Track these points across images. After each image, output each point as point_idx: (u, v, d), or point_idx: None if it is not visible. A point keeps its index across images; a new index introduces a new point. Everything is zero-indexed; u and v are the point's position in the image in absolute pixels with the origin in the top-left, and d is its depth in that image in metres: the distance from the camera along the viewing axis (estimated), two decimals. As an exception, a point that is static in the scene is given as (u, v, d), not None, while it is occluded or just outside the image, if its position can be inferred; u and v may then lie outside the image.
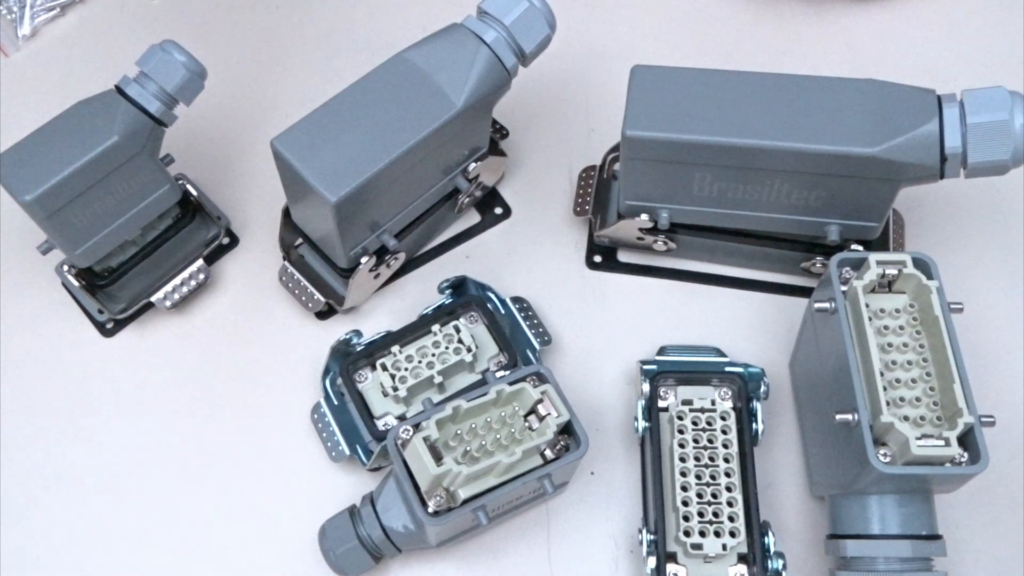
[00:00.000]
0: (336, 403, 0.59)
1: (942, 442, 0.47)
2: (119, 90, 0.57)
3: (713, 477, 0.53)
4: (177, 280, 0.63)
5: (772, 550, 0.52)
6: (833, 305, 0.51)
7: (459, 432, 0.50)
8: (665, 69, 0.57)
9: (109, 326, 0.64)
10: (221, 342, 0.63)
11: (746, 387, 0.56)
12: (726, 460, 0.54)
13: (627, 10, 0.76)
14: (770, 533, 0.53)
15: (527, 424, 0.51)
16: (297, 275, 0.63)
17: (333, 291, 0.62)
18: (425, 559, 0.57)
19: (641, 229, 0.62)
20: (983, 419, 0.48)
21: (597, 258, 0.66)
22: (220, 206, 0.66)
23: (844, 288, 0.52)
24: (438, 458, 0.49)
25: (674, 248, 0.63)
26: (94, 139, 0.55)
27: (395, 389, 0.57)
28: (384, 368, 0.57)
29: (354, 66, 0.60)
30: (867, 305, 0.51)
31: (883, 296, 0.52)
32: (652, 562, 0.52)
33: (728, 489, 0.53)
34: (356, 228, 0.58)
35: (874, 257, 0.51)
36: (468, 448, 0.50)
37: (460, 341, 0.58)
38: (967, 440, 0.47)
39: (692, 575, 0.52)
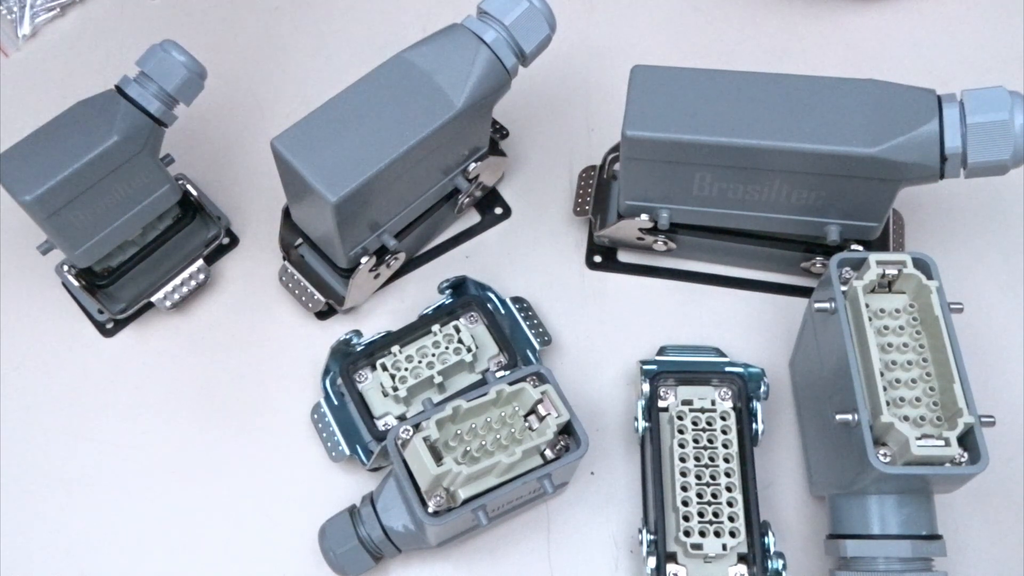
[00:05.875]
0: (336, 403, 0.59)
1: (942, 442, 0.47)
2: (119, 90, 0.57)
3: (713, 477, 0.53)
4: (177, 280, 0.63)
5: (772, 550, 0.52)
6: (833, 305, 0.51)
7: (459, 432, 0.50)
8: (665, 69, 0.57)
9: (109, 326, 0.64)
10: (221, 342, 0.63)
11: (746, 387, 0.56)
12: (726, 460, 0.54)
13: (627, 10, 0.76)
14: (770, 533, 0.53)
15: (527, 424, 0.51)
16: (297, 275, 0.63)
17: (333, 291, 0.62)
18: (425, 559, 0.57)
19: (641, 229, 0.62)
20: (983, 419, 0.47)
21: (597, 258, 0.66)
22: (220, 206, 0.66)
23: (844, 288, 0.52)
24: (438, 458, 0.49)
25: (674, 248, 0.63)
26: (94, 139, 0.55)
27: (395, 389, 0.57)
28: (384, 368, 0.57)
29: (354, 66, 0.60)
30: (867, 305, 0.51)
31: (883, 296, 0.52)
32: (652, 562, 0.52)
33: (728, 489, 0.53)
34: (356, 228, 0.58)
35: (874, 257, 0.51)
36: (468, 448, 0.50)
37: (460, 341, 0.58)
38: (967, 440, 0.47)
39: (692, 575, 0.52)
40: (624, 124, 0.55)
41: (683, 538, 0.52)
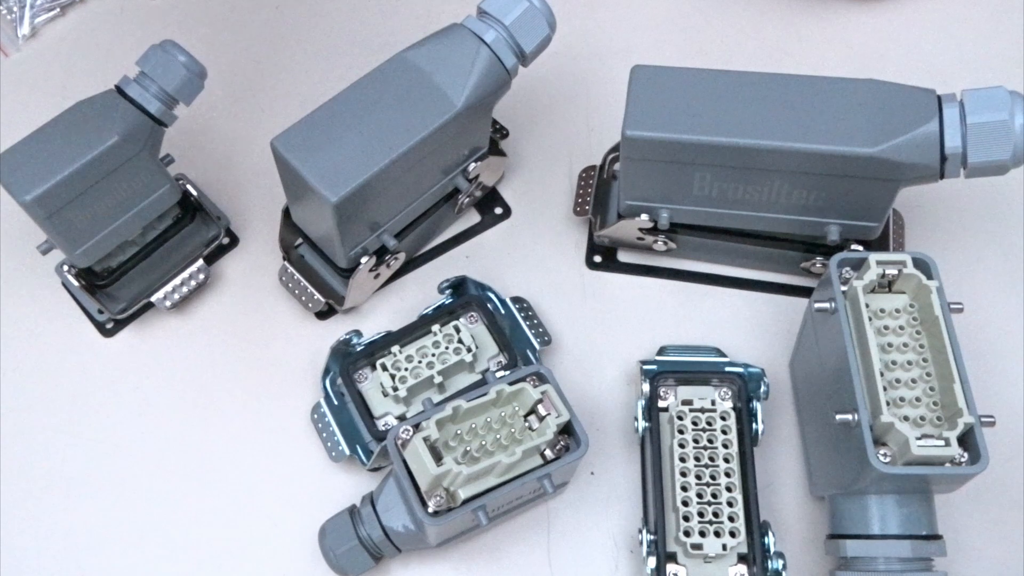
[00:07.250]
0: (336, 403, 0.59)
1: (942, 442, 0.47)
2: (119, 90, 0.57)
3: (713, 477, 0.53)
4: (177, 280, 0.63)
5: (772, 550, 0.52)
6: (833, 305, 0.51)
7: (459, 432, 0.50)
8: (665, 69, 0.57)
9: (109, 326, 0.64)
10: (221, 342, 0.63)
11: (746, 387, 0.56)
12: (726, 460, 0.54)
13: (627, 10, 0.76)
14: (770, 533, 0.53)
15: (527, 424, 0.51)
16: (297, 275, 0.63)
17: (333, 291, 0.62)
18: (425, 559, 0.57)
19: (641, 229, 0.62)
20: (983, 419, 0.48)
21: (597, 258, 0.66)
22: (220, 206, 0.66)
23: (844, 288, 0.52)
24: (438, 458, 0.49)
25: (674, 248, 0.63)
26: (94, 139, 0.55)
27: (395, 389, 0.57)
28: (384, 368, 0.57)
29: (354, 66, 0.60)
30: (867, 305, 0.51)
31: (883, 296, 0.52)
32: (652, 562, 0.52)
33: (728, 489, 0.53)
34: (356, 228, 0.58)
35: (874, 257, 0.51)
36: (468, 448, 0.50)
37: (460, 341, 0.58)
38: (967, 440, 0.47)
39: (692, 575, 0.52)
40: (624, 124, 0.55)
41: (683, 538, 0.52)
